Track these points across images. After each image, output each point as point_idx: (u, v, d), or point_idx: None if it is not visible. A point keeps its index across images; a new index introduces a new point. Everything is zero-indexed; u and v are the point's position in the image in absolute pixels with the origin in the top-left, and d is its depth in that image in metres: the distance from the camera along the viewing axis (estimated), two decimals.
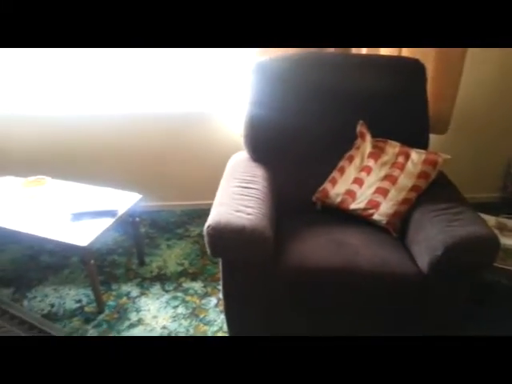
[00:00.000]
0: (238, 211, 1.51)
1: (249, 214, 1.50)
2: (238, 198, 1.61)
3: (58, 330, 1.80)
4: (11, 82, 2.33)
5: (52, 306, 1.94)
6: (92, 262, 1.79)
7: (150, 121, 2.39)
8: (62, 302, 1.96)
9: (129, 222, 2.09)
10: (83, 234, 1.74)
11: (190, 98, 2.38)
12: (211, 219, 1.47)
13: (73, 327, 1.82)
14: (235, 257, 1.49)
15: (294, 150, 1.93)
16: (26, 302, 1.96)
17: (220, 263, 1.54)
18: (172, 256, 2.26)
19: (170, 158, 2.50)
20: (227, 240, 1.43)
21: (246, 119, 1.94)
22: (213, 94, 2.37)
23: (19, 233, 1.81)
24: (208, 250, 1.46)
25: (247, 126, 1.94)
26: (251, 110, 1.92)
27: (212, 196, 1.65)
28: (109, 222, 1.84)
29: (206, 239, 1.45)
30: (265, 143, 1.93)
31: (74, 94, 2.37)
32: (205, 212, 2.68)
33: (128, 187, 2.09)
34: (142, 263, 2.19)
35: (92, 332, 1.79)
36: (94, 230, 1.77)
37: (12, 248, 2.32)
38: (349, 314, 1.60)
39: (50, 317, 1.88)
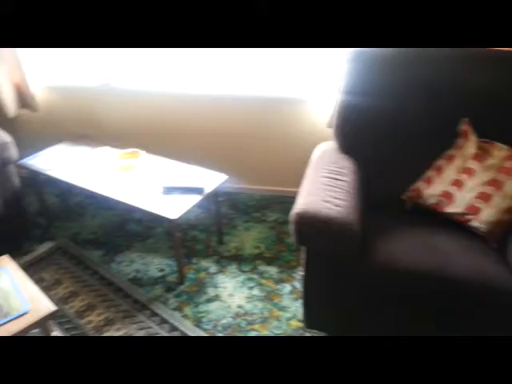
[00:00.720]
0: (326, 201, 1.49)
1: (337, 205, 1.48)
2: (326, 188, 1.59)
3: (142, 295, 1.92)
4: (114, 56, 2.49)
5: (137, 271, 2.08)
6: (178, 234, 1.88)
7: (239, 103, 2.42)
8: (146, 269, 2.09)
9: (212, 201, 2.16)
10: (173, 208, 1.83)
11: (280, 82, 2.37)
12: (299, 207, 1.46)
13: (155, 294, 1.93)
14: (321, 247, 1.47)
15: (386, 145, 1.85)
16: (114, 265, 2.12)
17: (302, 252, 1.54)
18: (249, 238, 2.30)
19: (255, 142, 2.53)
20: (314, 229, 1.42)
21: (338, 108, 1.89)
22: (302, 79, 2.34)
23: (112, 200, 1.94)
24: (293, 237, 1.47)
25: (338, 115, 1.89)
26: (344, 99, 1.87)
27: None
28: (196, 198, 1.91)
29: (292, 226, 1.45)
30: (356, 135, 1.88)
31: (172, 72, 2.47)
32: (283, 199, 2.76)
33: (213, 166, 2.16)
34: (220, 242, 2.26)
35: (172, 301, 1.89)
36: (183, 204, 1.85)
37: (103, 214, 2.51)
38: (434, 318, 1.52)
39: (135, 281, 2.01)
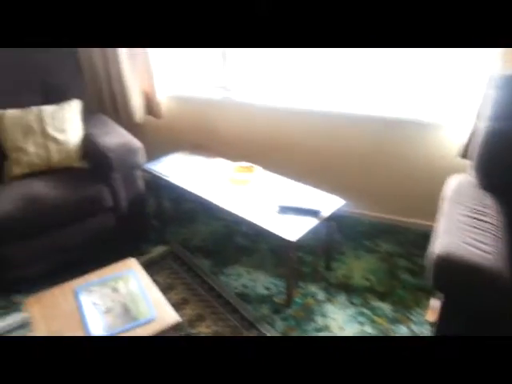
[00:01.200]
0: (470, 245, 1.32)
1: (485, 251, 1.30)
2: (468, 229, 1.42)
3: (249, 312, 1.90)
4: (236, 69, 2.54)
5: (245, 287, 2.06)
6: (293, 257, 1.83)
7: (362, 123, 2.32)
8: (253, 286, 2.07)
9: (323, 224, 2.08)
10: (290, 229, 1.78)
11: (409, 103, 2.23)
12: (440, 248, 1.32)
13: (262, 313, 1.89)
14: (463, 297, 1.31)
15: None
16: (222, 277, 2.13)
17: (436, 299, 1.39)
18: (358, 267, 2.18)
19: (375, 166, 2.40)
20: (458, 276, 1.27)
21: (481, 138, 1.71)
22: (434, 102, 2.17)
23: (224, 211, 1.96)
24: (431, 281, 1.32)
25: (482, 145, 1.70)
26: (491, 127, 1.68)
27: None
28: (313, 221, 1.84)
29: (431, 269, 1.31)
30: (503, 169, 1.67)
31: (292, 87, 2.45)
32: (396, 229, 2.58)
33: (327, 187, 2.08)
34: (328, 267, 2.17)
35: (279, 324, 1.83)
36: (300, 226, 1.80)
37: (212, 223, 2.56)
38: None
39: (243, 297, 2.00)
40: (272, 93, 2.51)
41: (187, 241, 2.41)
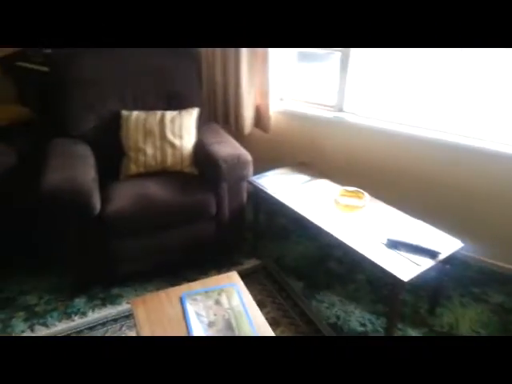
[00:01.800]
0: None
1: None
2: None
3: None
4: (353, 88, 2.46)
5: (337, 317, 1.97)
6: (401, 298, 1.70)
7: (492, 160, 2.10)
8: (346, 318, 1.96)
9: (437, 267, 1.91)
10: (402, 267, 1.66)
11: None
12: None
13: None
14: None
15: None
16: (314, 303, 2.05)
17: None
18: (466, 317, 1.97)
19: (496, 206, 2.17)
20: None
21: None
22: None
23: (323, 232, 1.89)
24: None
25: None
26: None
27: None
28: (428, 262, 1.70)
29: None
30: None
31: (416, 111, 2.32)
32: (509, 279, 2.31)
33: (440, 225, 1.91)
34: (432, 312, 1.99)
35: None
36: (414, 266, 1.66)
37: (306, 243, 2.50)
38: None
39: (335, 328, 1.90)
40: (391, 116, 2.38)
41: (280, 259, 2.37)
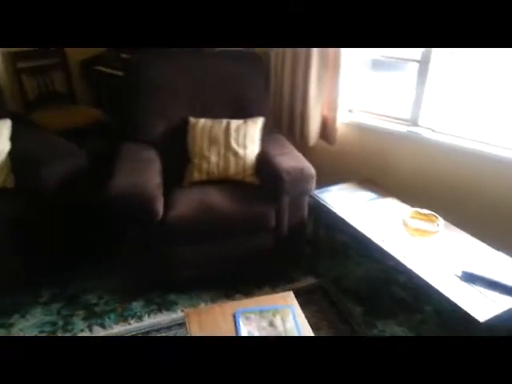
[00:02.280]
0: None
1: None
2: None
3: None
4: (432, 101, 2.29)
5: None
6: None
7: None
8: None
9: None
10: (478, 305, 1.48)
11: None
12: None
13: None
14: None
15: None
16: (375, 331, 1.92)
17: None
18: None
19: None
20: None
21: None
22: None
23: (388, 255, 1.76)
24: None
25: None
26: None
27: None
28: (510, 301, 1.51)
29: None
30: None
31: (496, 128, 2.11)
32: None
33: None
34: None
35: None
36: (493, 305, 1.48)
37: (368, 264, 2.35)
38: None
39: None
40: (472, 133, 2.18)
41: (339, 278, 2.25)
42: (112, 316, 2.00)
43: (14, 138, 2.18)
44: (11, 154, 2.14)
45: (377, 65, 2.60)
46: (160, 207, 1.90)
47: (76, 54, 3.16)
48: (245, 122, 2.25)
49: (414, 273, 1.68)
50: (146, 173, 1.98)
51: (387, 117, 2.50)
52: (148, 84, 2.30)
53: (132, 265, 2.06)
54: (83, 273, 2.26)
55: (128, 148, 2.21)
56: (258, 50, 2.55)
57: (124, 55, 3.07)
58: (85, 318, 1.99)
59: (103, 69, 3.13)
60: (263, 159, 2.20)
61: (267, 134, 2.38)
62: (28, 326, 1.95)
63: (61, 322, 1.96)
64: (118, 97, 2.91)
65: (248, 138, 2.22)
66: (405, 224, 1.95)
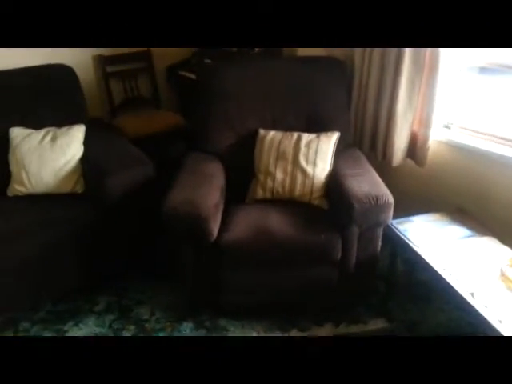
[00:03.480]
0: None
1: None
2: None
3: None
4: None
5: None
6: None
7: None
8: None
9: None
10: None
11: None
12: None
13: None
14: None
15: None
16: None
17: None
18: None
19: None
20: None
21: None
22: None
23: (477, 314, 1.42)
24: None
25: None
26: None
27: None
28: None
29: None
30: None
31: None
32: None
33: None
34: None
35: None
36: None
37: (452, 314, 1.97)
38: None
39: None
40: None
41: (415, 325, 1.92)
42: (161, 335, 1.93)
43: (87, 143, 2.23)
44: (82, 159, 2.19)
45: (484, 73, 2.17)
46: (214, 228, 1.77)
47: (162, 59, 3.20)
48: (317, 137, 2.03)
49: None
50: (204, 188, 1.86)
51: (493, 136, 2.07)
52: (218, 92, 2.19)
53: (185, 283, 1.97)
54: (139, 284, 2.24)
55: (193, 159, 2.13)
56: (340, 53, 2.31)
57: (208, 61, 3.03)
58: (135, 335, 1.95)
59: (186, 74, 3.12)
60: (334, 180, 1.95)
61: (343, 150, 2.12)
62: (79, 335, 1.96)
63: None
64: (194, 104, 2.87)
65: (319, 154, 1.99)
66: (503, 274, 1.58)
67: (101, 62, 2.96)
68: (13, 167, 2.15)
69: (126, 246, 2.17)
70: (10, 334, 1.98)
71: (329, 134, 2.04)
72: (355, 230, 1.77)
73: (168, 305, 2.09)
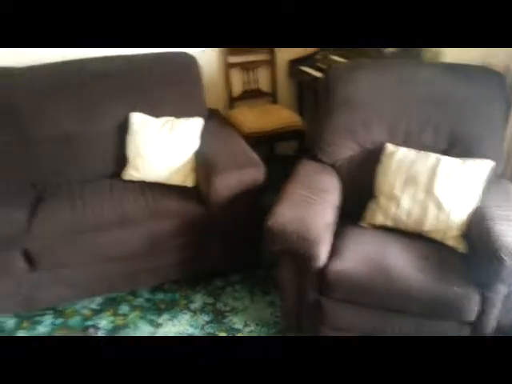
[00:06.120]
0: None
1: None
2: None
3: None
4: None
5: None
6: None
7: None
8: None
9: None
10: None
11: None
12: None
13: None
14: None
15: None
16: None
17: None
18: None
19: None
20: None
21: None
22: None
23: None
24: None
25: None
26: None
27: None
28: None
29: None
30: None
31: None
32: None
33: None
34: None
35: None
36: None
37: None
38: None
39: None
40: None
41: None
42: None
43: (203, 137, 2.16)
44: (196, 153, 2.13)
45: None
46: (323, 252, 1.57)
47: (285, 52, 3.04)
48: (463, 163, 1.68)
49: None
50: (315, 205, 1.65)
51: None
52: (344, 97, 1.93)
53: (286, 301, 1.80)
54: (236, 289, 2.15)
55: (306, 169, 1.93)
56: (499, 62, 1.91)
57: (334, 57, 2.79)
58: None
59: (308, 69, 2.91)
60: (479, 220, 1.58)
61: (493, 182, 1.74)
62: (171, 332, 1.93)
63: None
64: (315, 103, 2.65)
65: (463, 186, 1.64)
66: None
67: (223, 52, 2.89)
68: (130, 152, 2.18)
69: (228, 247, 2.09)
70: (109, 314, 2.04)
71: (478, 161, 1.68)
72: (501, 288, 1.41)
73: (263, 318, 1.97)
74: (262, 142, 2.73)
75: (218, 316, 2.00)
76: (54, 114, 2.14)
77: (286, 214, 1.58)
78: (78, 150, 2.19)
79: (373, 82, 1.93)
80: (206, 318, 2.00)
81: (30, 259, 1.83)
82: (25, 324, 2.00)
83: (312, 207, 1.63)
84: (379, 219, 1.78)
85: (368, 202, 1.85)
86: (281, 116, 2.85)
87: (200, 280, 2.19)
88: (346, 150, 1.94)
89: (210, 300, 2.10)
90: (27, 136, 2.14)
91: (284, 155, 3.26)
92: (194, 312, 2.03)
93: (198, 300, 2.10)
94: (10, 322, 2.01)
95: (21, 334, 1.95)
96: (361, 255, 1.60)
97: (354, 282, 1.54)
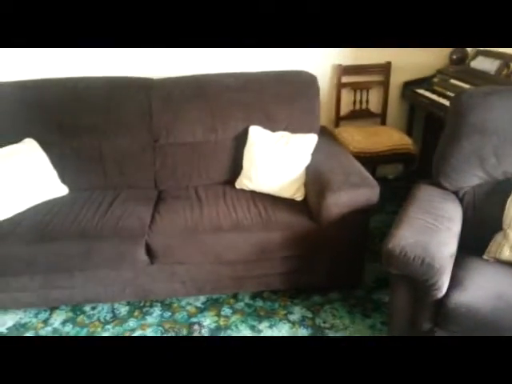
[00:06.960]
0: None
1: None
2: None
3: None
4: None
5: None
6: None
7: None
8: None
9: None
10: None
11: None
12: None
13: None
14: None
15: None
16: None
17: None
18: None
19: None
20: None
21: None
22: None
23: None
24: None
25: None
26: None
27: None
28: None
29: None
30: None
31: None
32: None
33: None
34: None
35: None
36: None
37: None
38: None
39: None
40: None
41: None
42: None
43: (315, 153, 2.21)
44: (307, 168, 2.18)
45: None
46: (446, 283, 1.50)
47: (400, 74, 2.99)
48: None
49: None
50: (440, 233, 1.58)
51: None
52: (474, 124, 1.82)
53: (393, 328, 1.75)
54: (337, 308, 2.14)
55: (428, 194, 1.86)
56: None
57: (455, 81, 2.69)
58: None
59: (425, 93, 2.84)
60: None
61: None
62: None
63: None
64: (434, 128, 2.56)
65: None
66: None
67: (338, 71, 2.93)
68: (245, 162, 2.29)
69: (332, 264, 2.09)
70: (212, 314, 2.14)
71: None
72: None
73: (364, 332, 1.95)
74: (365, 163, 2.70)
75: (318, 332, 2.00)
76: (185, 122, 2.35)
77: (408, 238, 1.53)
78: (201, 158, 2.36)
79: (508, 110, 1.82)
80: (304, 331, 2.01)
81: (150, 253, 1.99)
82: (136, 313, 2.16)
83: (437, 234, 1.57)
84: (505, 254, 1.66)
85: (492, 235, 1.74)
86: (391, 137, 2.80)
87: (299, 293, 2.21)
88: (473, 177, 1.84)
89: (309, 314, 2.10)
90: (158, 141, 2.37)
91: (382, 177, 3.18)
92: (293, 324, 2.05)
93: (297, 312, 2.12)
94: (123, 310, 2.19)
95: (132, 322, 2.11)
96: (486, 288, 1.50)
97: (478, 316, 1.45)
